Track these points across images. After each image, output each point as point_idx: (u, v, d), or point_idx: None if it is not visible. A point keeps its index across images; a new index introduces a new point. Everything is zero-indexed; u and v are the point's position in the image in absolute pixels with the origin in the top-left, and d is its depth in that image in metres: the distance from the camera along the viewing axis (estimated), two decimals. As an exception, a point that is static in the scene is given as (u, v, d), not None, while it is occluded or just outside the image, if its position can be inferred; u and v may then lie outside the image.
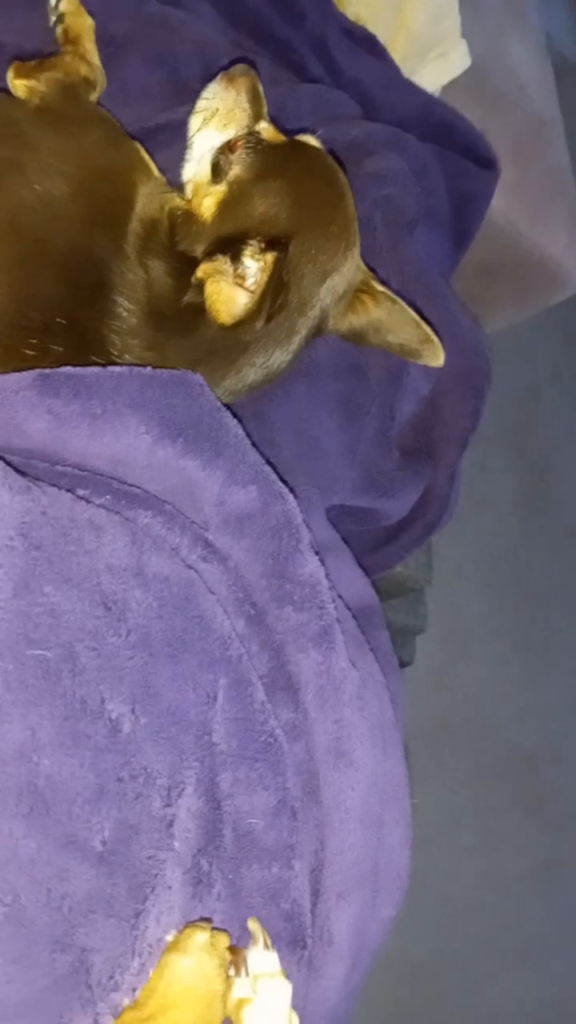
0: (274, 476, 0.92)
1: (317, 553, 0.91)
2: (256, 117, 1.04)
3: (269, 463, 0.94)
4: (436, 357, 1.08)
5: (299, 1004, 0.77)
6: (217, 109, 1.04)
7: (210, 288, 0.93)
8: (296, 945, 0.81)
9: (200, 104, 1.05)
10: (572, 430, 3.40)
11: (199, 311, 0.95)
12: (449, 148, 1.42)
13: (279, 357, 1.02)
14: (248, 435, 0.94)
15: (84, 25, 1.10)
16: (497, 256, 1.88)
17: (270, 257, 0.91)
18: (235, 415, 0.94)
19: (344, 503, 1.18)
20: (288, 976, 0.75)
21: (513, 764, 2.72)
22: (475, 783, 2.61)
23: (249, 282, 0.92)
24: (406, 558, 1.37)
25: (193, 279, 0.94)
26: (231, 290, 0.93)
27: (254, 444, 0.94)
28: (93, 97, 1.07)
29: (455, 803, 2.54)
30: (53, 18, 1.10)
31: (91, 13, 1.11)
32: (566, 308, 2.30)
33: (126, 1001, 0.68)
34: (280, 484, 0.92)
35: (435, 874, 2.45)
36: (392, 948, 0.94)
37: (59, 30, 1.10)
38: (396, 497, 1.24)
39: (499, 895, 2.61)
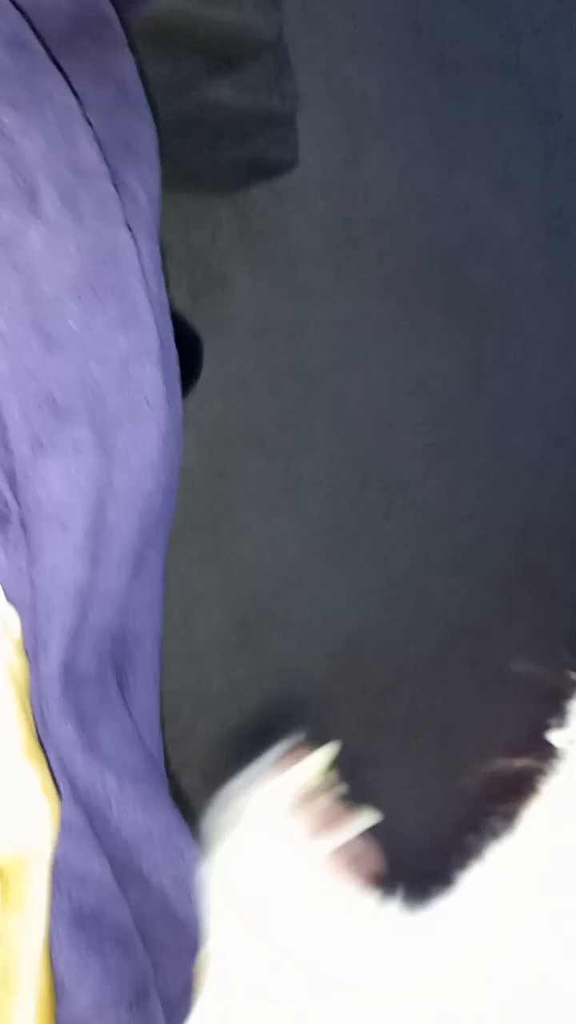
0: None
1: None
2: None
3: None
4: None
5: (17, 592, 0.62)
6: None
7: None
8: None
9: None
10: None
11: None
12: None
13: None
14: None
15: None
16: None
17: None
18: None
19: None
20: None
21: (430, 265, 2.52)
22: (390, 291, 2.43)
23: None
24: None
25: None
26: None
27: None
28: None
29: (369, 316, 2.39)
30: None
31: None
32: None
33: None
34: None
35: (359, 394, 2.39)
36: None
37: None
38: None
39: (428, 400, 2.58)
